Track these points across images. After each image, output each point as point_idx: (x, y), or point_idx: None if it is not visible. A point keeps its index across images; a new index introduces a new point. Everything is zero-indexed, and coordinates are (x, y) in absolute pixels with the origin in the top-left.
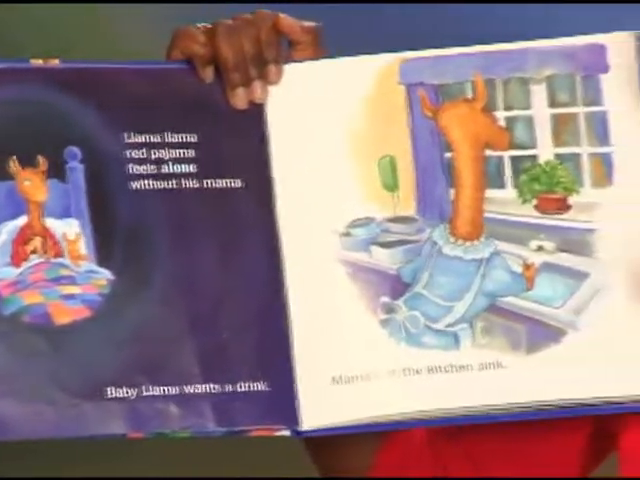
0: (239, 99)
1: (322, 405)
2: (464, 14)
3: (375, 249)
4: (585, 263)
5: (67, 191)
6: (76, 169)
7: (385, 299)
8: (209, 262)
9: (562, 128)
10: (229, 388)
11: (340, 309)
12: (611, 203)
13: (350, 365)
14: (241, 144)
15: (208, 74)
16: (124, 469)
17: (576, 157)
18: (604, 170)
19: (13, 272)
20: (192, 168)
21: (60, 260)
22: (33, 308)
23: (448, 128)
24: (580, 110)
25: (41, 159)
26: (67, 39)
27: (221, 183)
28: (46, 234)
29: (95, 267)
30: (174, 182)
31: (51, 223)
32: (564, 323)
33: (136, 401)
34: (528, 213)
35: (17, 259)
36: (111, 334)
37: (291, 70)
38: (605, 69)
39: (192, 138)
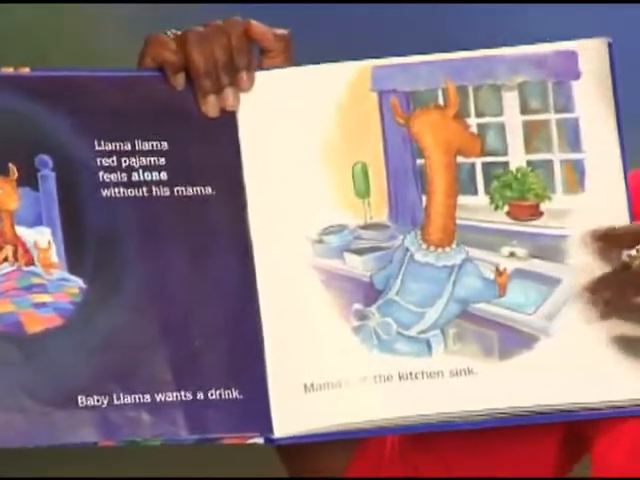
0: (210, 106)
1: (294, 412)
2: (463, 15)
3: (348, 256)
4: (557, 269)
5: (38, 199)
6: (47, 177)
7: (358, 306)
8: (180, 269)
9: (534, 135)
10: (201, 396)
11: (313, 316)
12: (583, 209)
13: (322, 372)
14: (212, 151)
15: (179, 81)
16: (124, 469)
17: (548, 164)
18: (576, 176)
19: None
20: (163, 176)
21: (31, 268)
22: (4, 317)
23: (420, 135)
24: (552, 117)
25: (12, 167)
26: (45, 42)
27: (192, 190)
28: (17, 242)
29: (67, 275)
30: (145, 190)
31: (22, 231)
32: (536, 329)
33: (107, 409)
34: (500, 220)
35: None
36: (83, 342)
37: (263, 77)
38: (576, 76)
39: (163, 146)
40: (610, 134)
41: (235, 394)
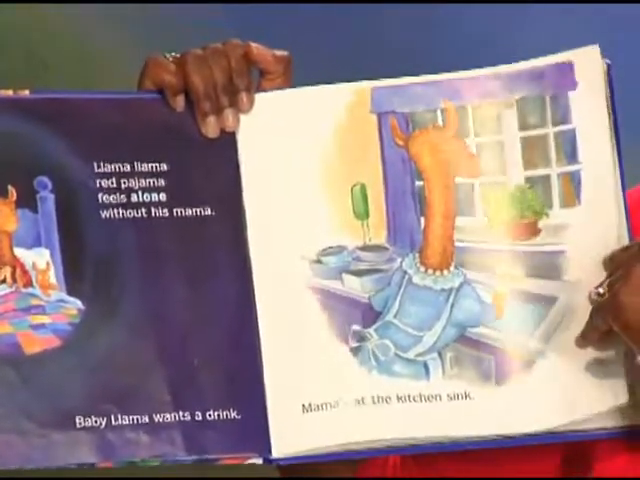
0: (210, 127)
1: (292, 433)
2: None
3: (347, 277)
4: (554, 287)
5: (37, 221)
6: (47, 199)
7: (356, 327)
8: (179, 290)
9: (532, 151)
10: (199, 416)
11: (311, 337)
12: (579, 223)
13: (320, 393)
14: (212, 172)
15: (179, 103)
16: (123, 469)
17: (546, 179)
18: (573, 189)
19: None
20: (162, 197)
21: (30, 290)
22: (2, 338)
23: (419, 156)
24: (550, 130)
25: (11, 189)
26: (44, 45)
27: (191, 211)
28: (16, 264)
29: (65, 296)
30: (144, 211)
31: (21, 253)
32: (533, 352)
33: (106, 430)
34: (498, 240)
35: None
36: (81, 363)
37: (262, 99)
38: (573, 86)
39: (162, 167)
40: (605, 144)
41: (233, 414)
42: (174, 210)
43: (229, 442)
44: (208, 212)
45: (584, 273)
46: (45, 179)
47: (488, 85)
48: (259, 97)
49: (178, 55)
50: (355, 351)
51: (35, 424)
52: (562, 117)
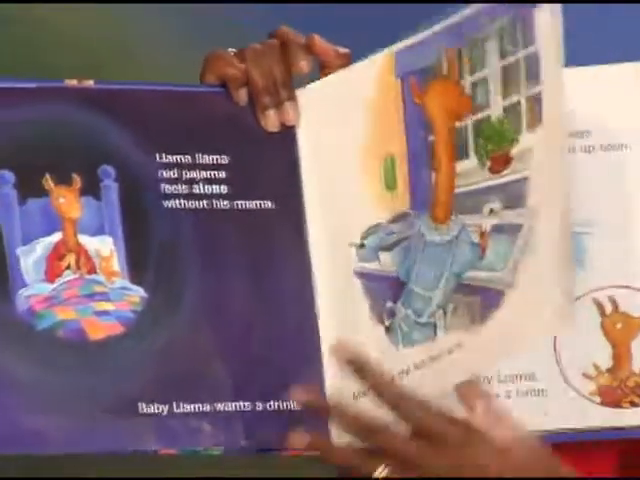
0: (270, 121)
1: None
2: None
3: (382, 255)
4: (519, 215)
5: (101, 209)
6: (110, 187)
7: (389, 304)
8: (240, 281)
9: (508, 79)
10: (260, 406)
11: (359, 324)
12: (540, 145)
13: None
14: (272, 165)
15: (242, 96)
16: (123, 469)
17: (517, 104)
18: (536, 110)
19: (47, 288)
20: (223, 189)
21: (94, 276)
22: (67, 324)
23: (430, 110)
24: (520, 54)
25: (75, 177)
26: (96, 54)
27: (252, 204)
28: (80, 250)
29: (128, 284)
30: (205, 202)
31: (85, 240)
32: (504, 284)
33: (168, 417)
34: (484, 177)
35: (51, 275)
36: (144, 351)
37: (313, 90)
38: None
39: (223, 159)
40: (559, 65)
41: (293, 405)
42: (235, 202)
43: (289, 433)
44: (268, 205)
45: (543, 197)
46: (109, 168)
47: (474, 23)
48: (311, 89)
49: (237, 50)
50: (387, 330)
51: (98, 410)
52: (530, 38)
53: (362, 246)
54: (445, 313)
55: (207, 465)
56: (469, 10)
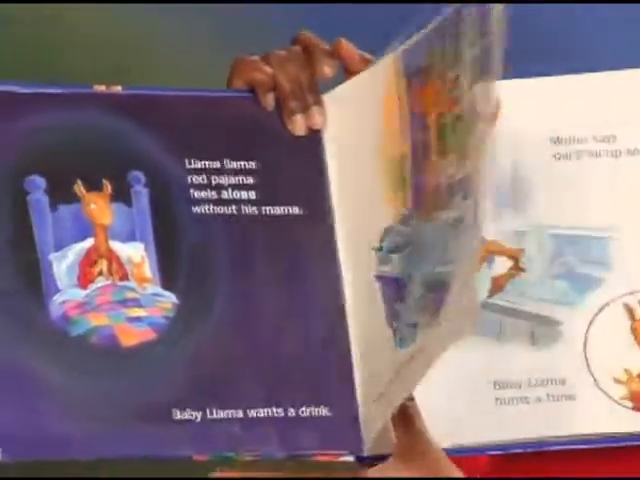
0: (298, 126)
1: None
2: None
3: (393, 257)
4: (465, 207)
5: (132, 215)
6: (140, 193)
7: (397, 306)
8: (270, 286)
9: (472, 71)
10: (292, 412)
11: (378, 328)
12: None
13: (377, 386)
14: (299, 171)
15: (269, 101)
16: (124, 469)
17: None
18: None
19: (80, 293)
20: (252, 195)
21: (126, 283)
22: (100, 330)
23: (427, 109)
24: (478, 50)
25: (106, 182)
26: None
27: (280, 210)
28: (112, 257)
29: (160, 290)
30: (234, 208)
31: (116, 246)
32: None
33: (202, 423)
34: (457, 172)
35: (84, 281)
36: (176, 357)
37: (334, 94)
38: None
39: (251, 165)
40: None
41: (325, 411)
42: (263, 208)
43: (321, 439)
44: (297, 211)
45: (472, 191)
46: (139, 174)
47: (454, 22)
48: (335, 92)
49: (262, 55)
50: (394, 332)
51: (132, 416)
52: (486, 28)
53: (380, 249)
54: (423, 312)
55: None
56: (450, 9)
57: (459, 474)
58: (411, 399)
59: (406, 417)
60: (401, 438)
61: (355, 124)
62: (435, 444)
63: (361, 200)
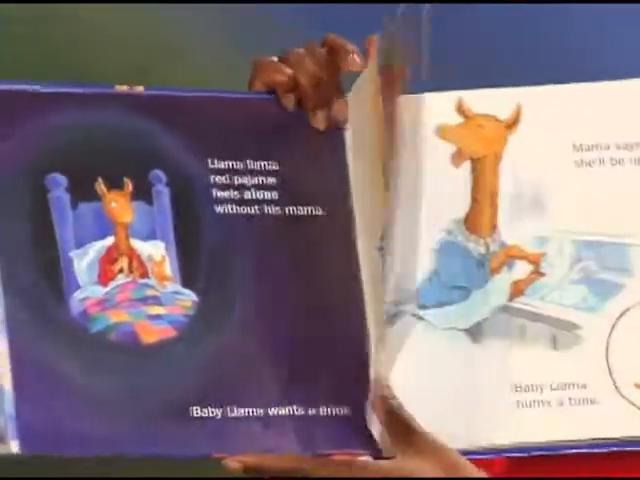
0: (321, 121)
1: None
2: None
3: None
4: None
5: (152, 213)
6: (162, 192)
7: (387, 305)
8: (291, 286)
9: None
10: (313, 411)
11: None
12: None
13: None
14: (321, 172)
15: (290, 101)
16: (124, 469)
17: None
18: None
19: (101, 290)
20: (274, 195)
21: (146, 280)
22: (120, 327)
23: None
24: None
25: (127, 181)
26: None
27: (302, 210)
28: (132, 254)
29: (180, 288)
30: (257, 208)
31: (137, 244)
32: None
33: (221, 421)
34: None
35: (104, 278)
36: (196, 354)
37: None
38: None
39: (273, 166)
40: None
41: (345, 411)
42: (285, 209)
43: (340, 438)
44: (319, 212)
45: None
46: (160, 173)
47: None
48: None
49: (281, 55)
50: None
51: (151, 413)
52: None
53: (381, 249)
54: None
55: (208, 465)
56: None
57: (477, 472)
58: (394, 398)
59: (399, 420)
60: (401, 440)
61: (365, 121)
62: (445, 444)
63: (367, 199)
